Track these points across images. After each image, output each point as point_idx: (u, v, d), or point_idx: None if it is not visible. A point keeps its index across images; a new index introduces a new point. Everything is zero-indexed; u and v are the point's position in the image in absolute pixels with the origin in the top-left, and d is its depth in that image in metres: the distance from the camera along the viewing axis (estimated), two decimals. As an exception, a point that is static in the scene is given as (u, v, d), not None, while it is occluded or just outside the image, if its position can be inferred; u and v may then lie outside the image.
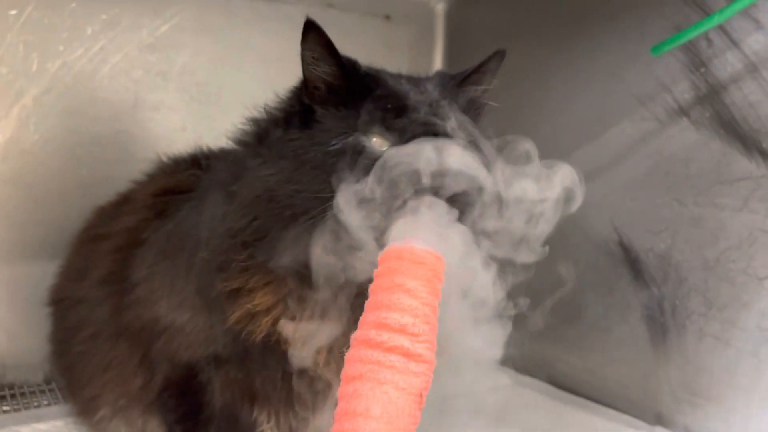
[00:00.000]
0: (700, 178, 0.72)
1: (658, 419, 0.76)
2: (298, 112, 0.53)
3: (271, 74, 0.94)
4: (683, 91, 0.73)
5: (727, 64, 0.68)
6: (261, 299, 0.50)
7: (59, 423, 0.69)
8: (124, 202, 0.67)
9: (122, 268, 0.59)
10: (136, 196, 0.66)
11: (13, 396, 0.76)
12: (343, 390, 0.40)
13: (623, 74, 0.80)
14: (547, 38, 0.91)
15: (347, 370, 0.40)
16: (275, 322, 0.50)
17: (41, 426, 0.68)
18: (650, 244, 0.77)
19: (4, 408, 0.73)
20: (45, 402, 0.75)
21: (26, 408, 0.74)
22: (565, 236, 0.87)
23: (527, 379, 0.91)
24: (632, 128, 0.79)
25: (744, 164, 0.68)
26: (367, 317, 0.41)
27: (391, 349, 0.39)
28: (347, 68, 0.51)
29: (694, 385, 0.72)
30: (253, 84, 0.93)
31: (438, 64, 1.09)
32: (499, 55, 0.60)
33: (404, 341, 0.39)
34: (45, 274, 0.71)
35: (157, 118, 0.85)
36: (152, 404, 0.57)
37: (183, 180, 0.63)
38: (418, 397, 0.39)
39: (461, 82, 0.56)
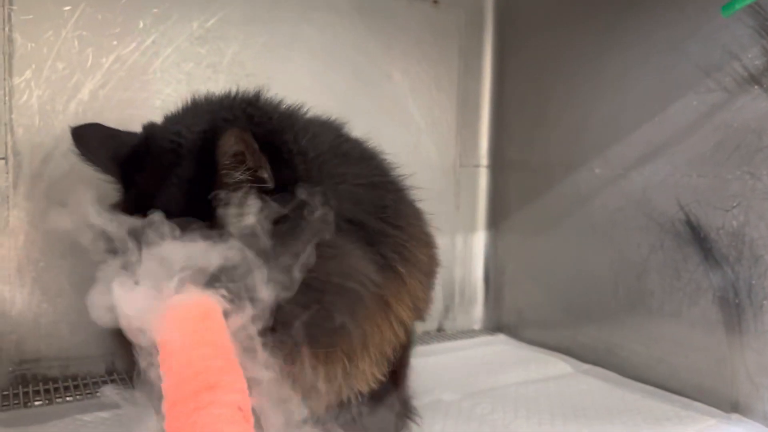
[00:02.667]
0: (775, 149, 0.68)
1: (735, 407, 0.72)
2: None
3: (318, 64, 0.94)
4: (753, 57, 0.69)
5: (801, 25, 0.64)
6: None
7: (121, 411, 0.70)
8: None
9: None
10: None
11: (76, 386, 0.78)
12: None
13: (685, 45, 0.76)
14: (600, 15, 0.88)
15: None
16: None
17: (103, 414, 0.69)
18: (721, 222, 0.73)
19: (68, 398, 0.75)
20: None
21: (89, 398, 0.75)
22: (627, 219, 0.84)
23: (590, 368, 0.88)
24: (698, 101, 0.75)
25: (824, 131, 0.63)
26: (164, 384, 0.42)
27: (195, 393, 0.41)
28: None
29: (773, 369, 0.68)
30: (300, 74, 0.93)
31: (488, 49, 1.07)
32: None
33: (201, 379, 0.41)
34: (104, 265, 0.72)
35: (208, 109, 0.86)
36: None
37: None
38: (239, 412, 0.41)
39: None
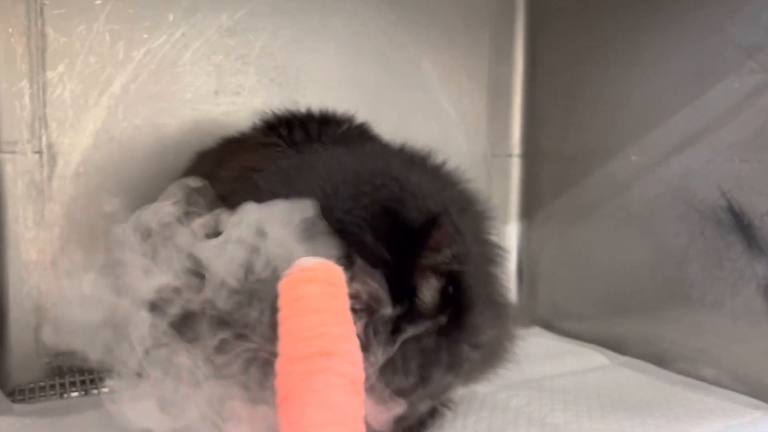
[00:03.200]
0: (823, 131, 0.65)
1: (781, 399, 0.69)
2: None
3: (347, 54, 0.93)
4: (799, 36, 0.66)
5: None
6: None
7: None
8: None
9: None
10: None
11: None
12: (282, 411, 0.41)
13: (726, 26, 0.74)
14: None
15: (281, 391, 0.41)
16: None
17: (138, 405, 0.69)
18: (765, 208, 0.70)
19: (104, 389, 0.75)
20: (141, 383, 0.77)
21: (124, 389, 0.75)
22: (666, 207, 0.82)
23: (628, 360, 0.85)
24: (739, 83, 0.72)
25: None
26: (281, 343, 0.42)
27: (310, 356, 0.41)
28: None
29: (822, 360, 0.66)
30: (329, 65, 0.92)
31: (520, 35, 1.04)
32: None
33: (319, 342, 0.41)
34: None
35: (238, 102, 0.86)
36: None
37: None
38: (352, 384, 0.41)
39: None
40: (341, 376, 0.40)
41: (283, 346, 0.42)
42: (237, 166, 0.64)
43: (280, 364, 0.42)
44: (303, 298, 0.43)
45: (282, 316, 0.43)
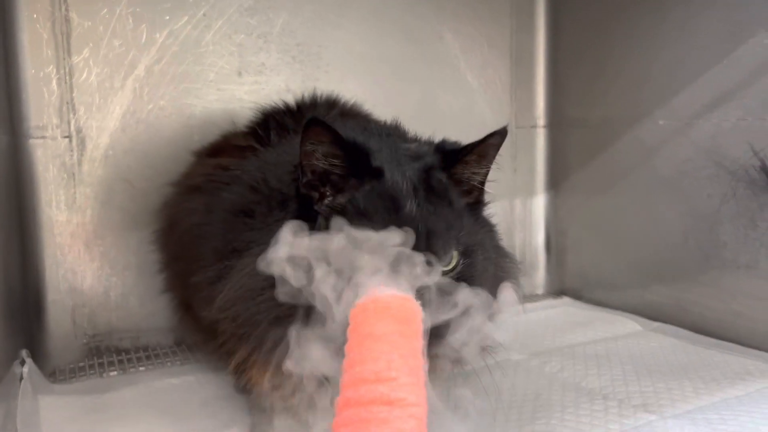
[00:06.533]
0: None
1: (820, 359, 0.68)
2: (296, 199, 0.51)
3: (369, 28, 0.93)
4: (832, -15, 0.64)
5: None
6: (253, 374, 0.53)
7: (190, 378, 0.71)
8: None
9: None
10: None
11: (147, 357, 0.80)
12: None
13: (755, -19, 0.72)
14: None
15: None
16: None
17: (174, 380, 0.70)
18: (800, 165, 0.69)
19: (140, 368, 0.77)
20: (177, 362, 0.78)
21: (159, 367, 0.76)
22: (696, 169, 0.81)
23: (660, 326, 0.85)
24: (770, 38, 0.71)
25: None
26: (343, 378, 0.40)
27: (372, 402, 0.38)
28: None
29: None
30: (351, 40, 0.92)
31: (541, 3, 1.03)
32: (498, 135, 0.53)
33: (382, 389, 0.38)
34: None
35: (260, 81, 0.86)
36: None
37: None
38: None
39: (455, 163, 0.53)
40: (401, 421, 0.37)
41: (345, 383, 0.39)
42: (212, 164, 0.67)
43: (339, 404, 0.39)
44: (372, 335, 0.39)
45: (348, 348, 0.40)
